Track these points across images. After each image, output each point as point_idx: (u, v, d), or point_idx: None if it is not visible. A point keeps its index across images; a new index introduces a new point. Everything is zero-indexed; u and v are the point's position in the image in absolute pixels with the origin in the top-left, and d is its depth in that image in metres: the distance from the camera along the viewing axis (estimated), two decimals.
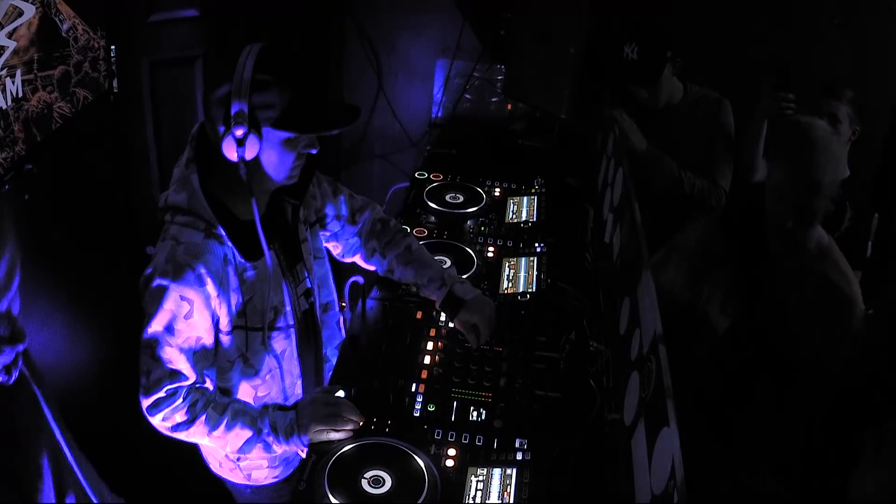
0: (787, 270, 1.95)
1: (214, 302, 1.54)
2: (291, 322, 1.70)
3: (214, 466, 1.86)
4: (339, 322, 1.94)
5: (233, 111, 1.44)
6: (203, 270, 1.50)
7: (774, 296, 1.95)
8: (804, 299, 1.91)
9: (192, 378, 1.54)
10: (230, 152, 1.47)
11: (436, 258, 2.17)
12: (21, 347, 1.02)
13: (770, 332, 1.94)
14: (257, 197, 1.55)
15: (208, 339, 1.57)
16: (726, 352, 2.00)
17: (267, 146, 1.50)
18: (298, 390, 1.79)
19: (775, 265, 1.96)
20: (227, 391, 1.67)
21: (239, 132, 1.45)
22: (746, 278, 2.00)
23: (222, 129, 1.47)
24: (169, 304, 1.49)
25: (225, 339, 1.60)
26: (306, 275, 1.78)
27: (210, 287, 1.51)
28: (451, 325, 1.92)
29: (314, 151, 1.58)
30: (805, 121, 1.95)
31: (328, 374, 1.91)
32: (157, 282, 1.49)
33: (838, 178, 1.91)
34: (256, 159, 1.51)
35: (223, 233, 1.54)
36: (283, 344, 1.71)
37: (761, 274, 1.97)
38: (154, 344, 1.50)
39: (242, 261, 1.57)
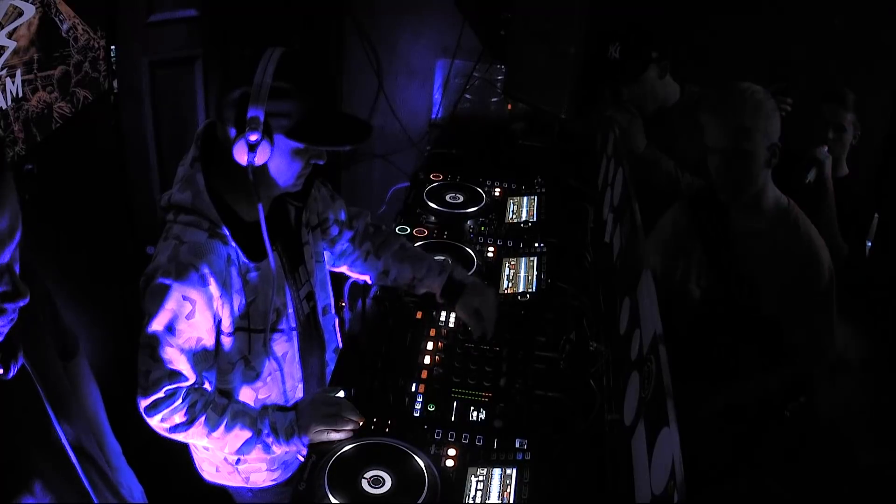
0: (747, 235, 2.00)
1: (217, 302, 1.53)
2: (293, 325, 1.70)
3: (210, 472, 1.85)
4: (335, 326, 1.93)
5: (248, 116, 1.43)
6: (206, 270, 1.49)
7: (738, 263, 2.01)
8: (767, 263, 1.96)
9: (192, 379, 1.54)
10: (241, 156, 1.46)
11: (436, 258, 2.18)
12: (22, 303, 0.99)
13: (739, 300, 2.00)
14: (261, 200, 1.55)
15: (209, 340, 1.56)
16: (703, 324, 2.05)
17: (277, 153, 1.49)
18: (299, 394, 1.79)
19: (736, 232, 2.02)
20: (227, 393, 1.66)
21: (252, 137, 1.43)
22: (712, 249, 2.06)
23: (233, 131, 1.46)
24: (171, 304, 1.48)
25: (227, 340, 1.60)
26: (307, 277, 1.78)
27: (213, 287, 1.51)
28: (452, 319, 1.92)
29: (321, 162, 1.57)
30: (733, 83, 2.01)
31: (329, 380, 1.91)
32: (160, 281, 1.48)
33: (770, 129, 1.93)
34: (264, 165, 1.50)
35: (227, 233, 1.53)
36: (285, 347, 1.70)
37: (724, 243, 2.03)
38: (154, 343, 1.50)
39: (246, 261, 1.57)
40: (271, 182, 1.55)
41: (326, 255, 1.92)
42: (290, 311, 1.69)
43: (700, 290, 2.09)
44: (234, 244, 1.54)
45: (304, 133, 1.47)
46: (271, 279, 1.60)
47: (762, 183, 1.97)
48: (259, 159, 1.46)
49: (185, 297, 1.48)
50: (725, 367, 2.00)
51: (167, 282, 1.47)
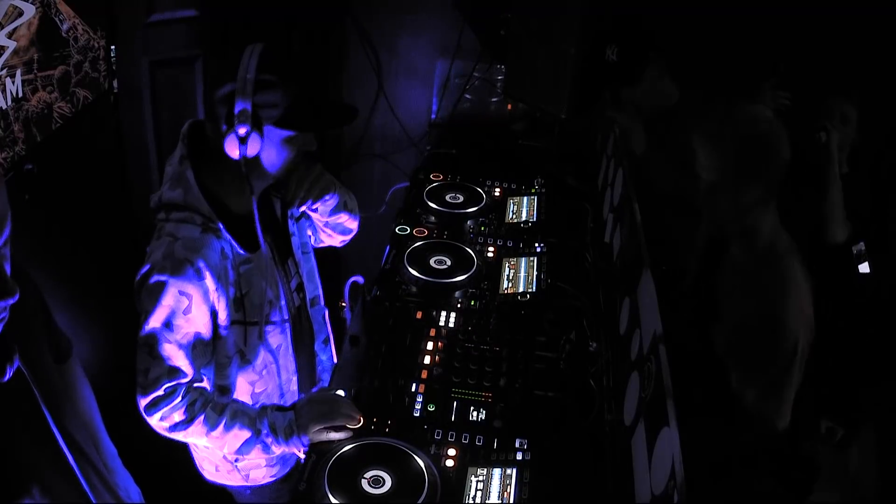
0: (732, 267, 1.80)
1: (213, 296, 1.55)
2: (286, 316, 1.72)
3: (210, 471, 1.86)
4: (324, 317, 1.95)
5: (236, 110, 1.46)
6: (202, 264, 1.51)
7: (715, 293, 1.84)
8: (737, 306, 1.76)
9: (191, 374, 1.55)
10: (232, 150, 1.49)
11: (436, 258, 2.18)
12: (11, 301, 0.99)
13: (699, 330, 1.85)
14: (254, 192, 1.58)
15: (206, 334, 1.57)
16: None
17: (267, 144, 1.53)
18: (294, 386, 1.81)
19: (727, 260, 1.82)
20: (225, 388, 1.68)
21: (242, 130, 1.47)
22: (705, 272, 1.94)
23: (225, 127, 1.49)
24: (168, 300, 1.49)
25: (223, 334, 1.61)
26: (296, 269, 1.80)
27: (209, 281, 1.52)
28: (452, 319, 1.92)
29: (313, 148, 1.61)
30: (747, 105, 1.78)
31: (318, 370, 1.92)
32: (156, 278, 1.49)
33: (777, 162, 1.68)
34: (256, 156, 1.53)
35: (221, 226, 1.55)
36: (279, 339, 1.72)
37: (714, 266, 1.88)
38: (152, 341, 1.51)
39: (240, 253, 1.59)
40: (263, 173, 1.58)
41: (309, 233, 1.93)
42: (283, 302, 1.71)
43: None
44: (227, 237, 1.56)
45: (291, 120, 1.51)
46: (265, 270, 1.61)
47: (757, 219, 1.72)
48: (251, 151, 1.50)
49: (181, 293, 1.50)
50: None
51: (163, 278, 1.49)
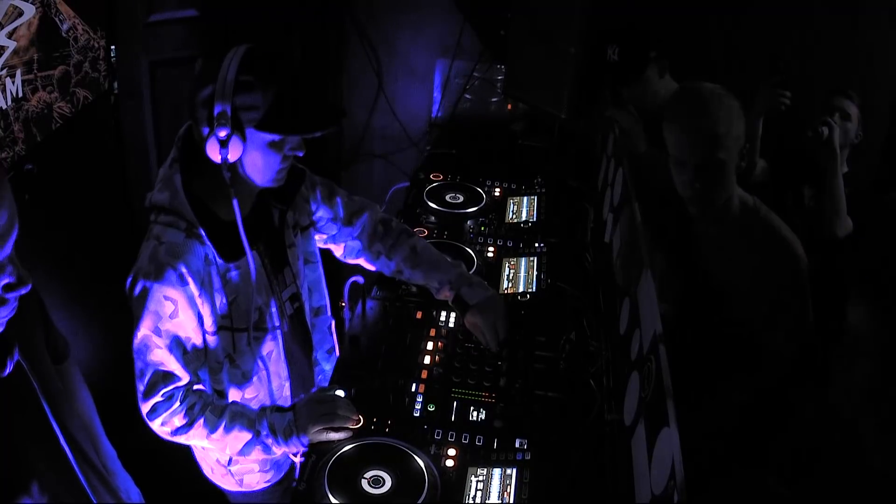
0: (716, 245, 1.91)
1: (198, 301, 1.54)
2: (277, 324, 1.70)
3: (207, 473, 1.86)
4: (330, 327, 1.93)
5: (215, 112, 1.43)
6: (184, 270, 1.50)
7: (709, 275, 1.93)
8: (740, 270, 1.88)
9: (186, 379, 1.54)
10: (213, 153, 1.46)
11: (450, 264, 2.16)
12: (25, 290, 0.99)
13: (711, 315, 1.92)
14: (242, 198, 1.55)
15: (197, 338, 1.57)
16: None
17: (251, 148, 1.49)
18: (286, 392, 1.79)
19: (704, 242, 1.93)
20: (219, 393, 1.67)
21: (222, 133, 1.44)
22: (677, 261, 1.99)
23: (206, 130, 1.46)
24: (153, 306, 1.49)
25: (211, 339, 1.60)
26: (292, 279, 1.77)
27: (192, 287, 1.51)
28: (452, 319, 1.92)
29: (300, 154, 1.56)
30: (693, 83, 1.90)
31: (318, 379, 1.91)
32: (141, 284, 1.49)
33: (741, 131, 1.84)
34: (240, 161, 1.50)
35: (203, 233, 1.53)
36: (270, 346, 1.70)
37: (690, 251, 1.96)
38: (144, 348, 1.51)
39: (223, 261, 1.57)
40: (248, 179, 1.55)
41: (332, 247, 1.92)
42: (274, 310, 1.68)
43: (667, 305, 1.95)
44: (209, 244, 1.54)
45: (273, 123, 1.47)
46: (251, 279, 1.60)
47: (723, 190, 1.87)
48: (232, 155, 1.46)
49: (166, 298, 1.49)
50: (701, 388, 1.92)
51: (147, 284, 1.49)
